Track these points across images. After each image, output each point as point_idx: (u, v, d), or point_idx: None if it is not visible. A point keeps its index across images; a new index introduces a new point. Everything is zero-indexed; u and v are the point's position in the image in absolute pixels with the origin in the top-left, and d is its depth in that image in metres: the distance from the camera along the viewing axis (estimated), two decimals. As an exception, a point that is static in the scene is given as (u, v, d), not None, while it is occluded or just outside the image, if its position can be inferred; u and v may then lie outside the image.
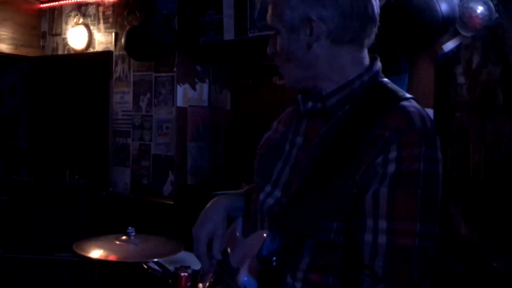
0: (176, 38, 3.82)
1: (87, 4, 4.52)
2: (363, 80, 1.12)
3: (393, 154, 0.96)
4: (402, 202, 0.95)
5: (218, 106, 4.43)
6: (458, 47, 1.46)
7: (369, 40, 1.17)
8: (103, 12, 4.43)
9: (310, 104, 1.14)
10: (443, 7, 2.54)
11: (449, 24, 2.61)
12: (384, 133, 0.98)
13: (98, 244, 2.72)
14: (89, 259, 2.62)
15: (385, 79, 1.14)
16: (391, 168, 0.96)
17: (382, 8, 2.79)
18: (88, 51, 4.50)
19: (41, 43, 4.86)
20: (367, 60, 1.15)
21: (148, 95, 4.17)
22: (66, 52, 4.67)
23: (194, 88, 4.18)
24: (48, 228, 3.71)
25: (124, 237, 2.77)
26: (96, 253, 2.60)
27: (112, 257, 2.60)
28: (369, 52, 1.18)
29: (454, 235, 1.44)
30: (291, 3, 1.11)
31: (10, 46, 4.65)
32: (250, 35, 3.60)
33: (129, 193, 4.27)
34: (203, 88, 4.28)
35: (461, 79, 1.40)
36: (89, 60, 4.47)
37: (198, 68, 4.23)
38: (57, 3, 4.69)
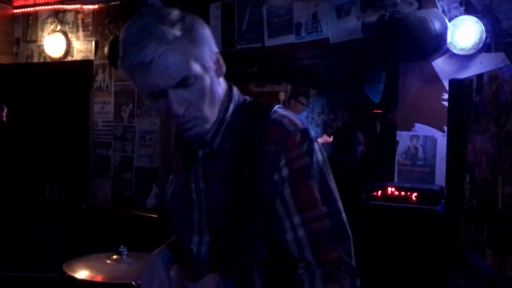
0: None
1: (65, 11, 4.39)
2: (231, 110, 1.18)
3: (283, 161, 1.10)
4: (304, 194, 1.09)
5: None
6: (478, 77, 1.49)
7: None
8: (82, 20, 4.31)
9: (200, 152, 1.20)
10: (437, 25, 2.60)
11: (442, 42, 2.67)
12: (271, 148, 1.10)
13: (88, 264, 2.62)
14: (80, 280, 2.52)
15: (246, 98, 1.22)
16: (285, 172, 1.10)
17: (375, 24, 2.85)
18: (66, 59, 4.37)
19: (15, 50, 4.69)
20: (224, 87, 1.20)
21: (131, 105, 4.08)
22: (42, 60, 4.52)
23: (178, 99, 4.11)
24: (29, 244, 3.57)
25: (115, 256, 2.69)
26: (86, 274, 2.51)
27: (104, 278, 2.52)
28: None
29: (476, 261, 1.47)
30: (194, 53, 1.09)
31: (-18, 53, 4.47)
32: (238, 47, 3.58)
33: (110, 206, 4.16)
34: (187, 98, 4.22)
35: (484, 108, 1.43)
36: (68, 69, 4.33)
37: (182, 78, 4.17)
38: (32, 9, 4.54)
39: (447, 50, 2.83)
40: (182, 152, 1.27)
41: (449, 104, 1.63)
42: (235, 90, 1.22)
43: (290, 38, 3.37)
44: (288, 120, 1.13)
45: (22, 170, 4.48)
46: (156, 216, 3.91)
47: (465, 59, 2.85)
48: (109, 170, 4.19)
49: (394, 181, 3.02)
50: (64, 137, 4.30)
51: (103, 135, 4.21)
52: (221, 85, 1.17)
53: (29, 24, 4.61)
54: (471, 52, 2.77)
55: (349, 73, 6.62)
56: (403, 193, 2.52)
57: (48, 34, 4.44)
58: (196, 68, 1.07)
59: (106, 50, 3.77)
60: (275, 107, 1.17)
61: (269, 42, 3.45)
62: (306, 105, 6.16)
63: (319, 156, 1.12)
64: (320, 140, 5.19)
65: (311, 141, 1.12)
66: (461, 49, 2.75)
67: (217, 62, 1.13)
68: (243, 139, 1.13)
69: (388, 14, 2.72)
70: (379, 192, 2.58)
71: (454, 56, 2.86)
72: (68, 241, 3.73)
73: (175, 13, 1.09)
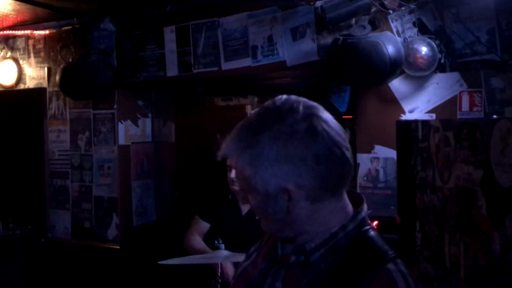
0: (115, 75, 3.64)
1: (15, 37, 4.22)
2: (347, 230, 1.04)
3: None
4: None
5: (162, 141, 4.27)
6: (424, 124, 1.44)
7: (348, 185, 1.10)
8: (34, 46, 4.15)
9: (293, 258, 1.07)
10: (390, 50, 2.56)
11: (396, 65, 2.64)
12: None
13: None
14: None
15: (371, 232, 1.07)
16: None
17: (329, 48, 2.80)
18: (19, 87, 4.20)
19: (-36, 78, 4.48)
20: (349, 206, 1.08)
21: (87, 133, 3.94)
22: (-7, 88, 4.33)
23: (136, 124, 4.00)
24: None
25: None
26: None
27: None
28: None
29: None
30: (264, 177, 1.01)
31: None
32: (194, 71, 3.49)
33: (71, 238, 4.01)
34: (146, 123, 4.11)
35: (429, 157, 1.38)
36: (20, 97, 4.17)
37: (140, 102, 4.06)
38: (-20, 35, 4.34)
39: (403, 71, 2.81)
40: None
41: (397, 146, 1.58)
42: (365, 208, 1.07)
43: (247, 62, 3.30)
44: (404, 279, 0.96)
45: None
46: (118, 247, 3.77)
47: (421, 79, 2.83)
48: (67, 201, 4.03)
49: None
50: (19, 169, 4.13)
51: (59, 165, 4.05)
52: (321, 209, 1.03)
53: (-21, 51, 4.41)
54: (426, 73, 2.75)
55: (314, 85, 6.59)
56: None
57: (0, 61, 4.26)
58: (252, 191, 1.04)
59: (57, 78, 3.63)
60: (397, 258, 1.00)
61: (225, 66, 3.37)
62: None
63: None
64: None
65: None
66: (416, 71, 2.73)
67: (283, 195, 1.01)
68: (342, 270, 0.98)
69: (341, 38, 2.68)
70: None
71: (410, 77, 2.84)
72: (26, 280, 3.57)
73: (289, 122, 1.00)
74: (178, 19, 3.51)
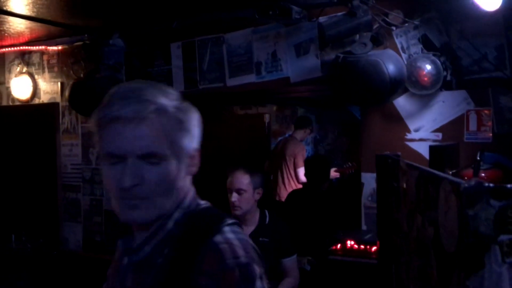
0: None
1: (30, 52, 4.31)
2: (176, 218, 1.02)
3: None
4: None
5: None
6: (394, 163, 1.38)
7: None
8: (48, 61, 4.23)
9: (125, 259, 1.05)
10: (390, 68, 2.48)
11: (398, 84, 2.56)
12: (202, 281, 0.94)
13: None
14: None
15: (200, 204, 1.07)
16: None
17: (330, 66, 2.73)
18: (34, 101, 4.29)
19: (-16, 92, 4.62)
20: (184, 190, 1.06)
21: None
22: (10, 102, 4.44)
23: (146, 139, 4.01)
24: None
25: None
26: None
27: None
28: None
29: None
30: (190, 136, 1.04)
31: (-50, 98, 4.40)
32: (200, 87, 3.48)
33: (82, 251, 4.06)
34: (156, 137, 4.12)
35: (399, 200, 1.32)
36: (35, 112, 4.25)
37: (150, 117, 4.07)
38: (-1, 50, 4.46)
39: (407, 89, 2.72)
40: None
41: (376, 182, 1.52)
42: (191, 194, 1.07)
43: (251, 78, 3.27)
44: (230, 248, 0.97)
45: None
46: (126, 261, 3.79)
47: (427, 97, 2.73)
48: (79, 214, 4.09)
49: (362, 227, 2.89)
50: (32, 182, 4.21)
51: (72, 178, 4.11)
52: (184, 185, 1.04)
53: (-3, 66, 4.53)
54: (431, 91, 2.65)
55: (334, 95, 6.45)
56: (362, 246, 2.40)
57: (15, 76, 4.37)
58: (168, 150, 0.97)
59: (67, 93, 3.69)
60: (224, 225, 1.01)
61: (230, 82, 3.35)
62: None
63: None
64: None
65: (252, 280, 0.95)
66: (420, 89, 2.64)
67: (193, 158, 1.03)
68: (179, 259, 0.97)
69: (341, 56, 2.61)
70: (339, 246, 2.46)
71: (416, 95, 2.75)
72: (36, 292, 3.63)
73: (175, 92, 1.03)
74: (184, 35, 3.51)
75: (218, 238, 0.98)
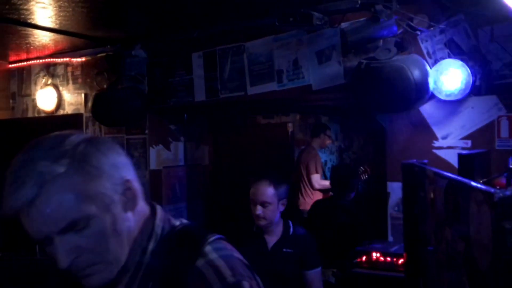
0: (144, 102, 3.67)
1: (55, 64, 4.37)
2: (151, 249, 0.95)
3: None
4: None
5: (195, 164, 4.26)
6: (421, 171, 1.31)
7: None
8: (72, 73, 4.28)
9: None
10: (416, 74, 2.40)
11: (423, 90, 2.47)
12: None
13: None
14: None
15: (175, 226, 0.99)
16: None
17: (353, 73, 2.67)
18: (58, 112, 4.33)
19: (11, 105, 4.70)
20: (144, 218, 0.98)
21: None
22: (36, 114, 4.50)
23: (168, 148, 4.01)
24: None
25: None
26: None
27: None
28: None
29: None
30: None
31: (-22, 110, 4.49)
32: (221, 96, 3.45)
33: (105, 261, 4.05)
34: (178, 147, 4.11)
35: (427, 211, 1.25)
36: (59, 123, 4.29)
37: (172, 127, 4.07)
38: (25, 63, 4.54)
39: (434, 95, 2.63)
40: None
41: (402, 191, 1.44)
42: (159, 217, 0.99)
43: (273, 86, 3.22)
44: (215, 270, 0.91)
45: (13, 230, 4.44)
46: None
47: (455, 103, 2.63)
48: (103, 224, 4.09)
49: (389, 239, 2.79)
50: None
51: (95, 189, 4.13)
52: (134, 219, 0.95)
53: (23, 79, 4.61)
54: (459, 97, 2.56)
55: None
56: (389, 259, 2.31)
57: (41, 88, 4.43)
58: (90, 208, 0.88)
59: (90, 104, 3.71)
60: (205, 246, 0.94)
61: (251, 91, 3.31)
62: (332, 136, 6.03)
63: None
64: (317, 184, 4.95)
65: None
66: (447, 95, 2.54)
67: (125, 192, 0.93)
68: None
69: (364, 62, 2.54)
70: (364, 258, 2.37)
71: (443, 101, 2.65)
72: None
73: (68, 142, 0.91)
74: (206, 45, 3.50)
75: (201, 262, 0.92)
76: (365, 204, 4.06)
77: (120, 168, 0.94)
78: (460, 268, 0.94)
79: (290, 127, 6.86)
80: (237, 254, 0.98)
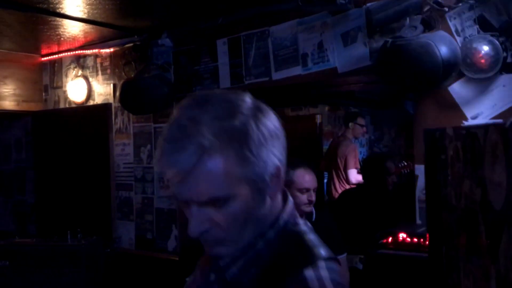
0: (171, 90, 3.70)
1: (85, 56, 4.46)
2: (268, 237, 0.94)
3: None
4: None
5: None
6: (441, 133, 1.27)
7: None
8: (101, 63, 4.36)
9: (212, 276, 0.99)
10: (443, 50, 2.33)
11: (451, 68, 2.40)
12: None
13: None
14: None
15: (297, 232, 0.96)
16: None
17: (379, 52, 2.62)
18: (88, 103, 4.43)
19: (44, 97, 4.83)
20: (276, 207, 0.96)
21: (149, 146, 4.05)
22: (67, 105, 4.61)
23: (195, 137, 4.02)
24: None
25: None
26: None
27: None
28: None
29: None
30: (261, 159, 0.90)
31: (13, 103, 4.63)
32: (246, 82, 3.45)
33: (134, 249, 4.12)
34: (205, 135, 4.13)
35: (447, 174, 1.21)
36: (89, 113, 4.39)
37: (198, 115, 4.09)
38: (57, 56, 4.65)
39: (463, 74, 2.55)
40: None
41: (425, 159, 1.40)
42: (287, 211, 0.97)
43: (297, 70, 3.19)
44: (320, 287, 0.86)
45: (51, 213, 4.57)
46: (177, 259, 3.81)
47: (485, 82, 2.54)
48: (132, 212, 4.16)
49: (416, 222, 2.73)
50: (88, 180, 4.34)
51: (124, 177, 4.20)
52: (269, 206, 0.94)
53: (55, 71, 4.73)
54: (489, 74, 2.46)
55: (389, 90, 6.28)
56: (415, 239, 2.25)
57: (71, 79, 4.53)
58: (233, 188, 0.87)
59: (118, 93, 3.77)
60: (320, 259, 0.90)
61: (276, 76, 3.29)
62: (365, 126, 5.92)
63: None
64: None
65: None
66: (477, 72, 2.46)
67: (273, 179, 0.91)
68: (264, 284, 0.90)
69: (390, 41, 2.49)
70: (390, 239, 2.32)
71: (472, 80, 2.56)
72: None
73: (237, 114, 0.88)
74: (230, 31, 3.50)
75: (310, 273, 0.88)
76: (395, 193, 3.98)
77: (275, 154, 0.91)
78: (477, 219, 0.90)
79: (318, 118, 6.80)
80: (342, 283, 0.94)
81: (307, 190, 2.72)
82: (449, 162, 1.16)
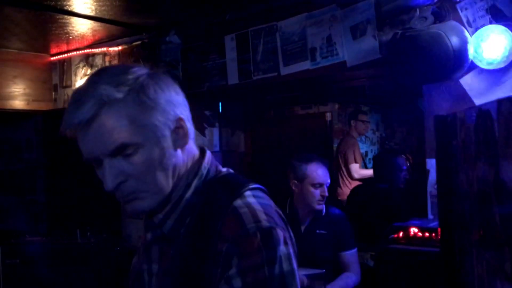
0: (180, 87, 3.67)
1: (94, 55, 4.47)
2: (194, 186, 1.00)
3: (235, 269, 0.88)
4: None
5: (230, 150, 4.24)
6: (453, 117, 1.23)
7: None
8: (110, 62, 4.36)
9: (149, 235, 1.04)
10: (454, 40, 2.29)
11: (463, 58, 2.35)
12: (222, 247, 0.90)
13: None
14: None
15: (221, 172, 1.04)
16: (237, 283, 0.88)
17: (389, 43, 2.57)
18: (97, 102, 4.43)
19: (53, 96, 4.84)
20: (193, 158, 1.03)
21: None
22: (77, 104, 4.62)
23: (203, 134, 4.01)
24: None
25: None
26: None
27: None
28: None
29: None
30: (161, 111, 0.97)
31: (23, 102, 4.65)
32: (254, 78, 3.42)
33: (144, 247, 4.11)
34: (213, 132, 4.12)
35: (460, 157, 1.16)
36: (98, 111, 4.39)
37: (207, 112, 4.08)
38: (66, 55, 4.67)
39: (475, 65, 2.49)
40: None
41: (436, 146, 1.35)
42: (207, 160, 1.03)
43: (306, 65, 3.16)
44: (251, 211, 0.92)
45: (62, 212, 4.58)
46: (186, 257, 3.79)
47: (497, 73, 2.49)
48: (141, 210, 4.14)
49: (429, 217, 2.68)
50: (97, 179, 4.33)
51: (133, 175, 4.19)
52: (182, 157, 0.99)
53: (64, 70, 4.74)
54: (502, 65, 2.41)
55: (400, 88, 6.21)
56: (427, 234, 2.21)
57: (80, 78, 4.54)
58: (139, 136, 0.93)
59: (126, 91, 3.76)
60: (245, 190, 0.97)
61: (284, 71, 3.26)
62: (369, 122, 5.88)
63: (284, 266, 0.89)
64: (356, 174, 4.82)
65: (274, 245, 0.89)
66: (489, 63, 2.40)
67: (177, 130, 0.97)
68: (199, 228, 0.95)
69: (400, 32, 2.45)
70: (401, 234, 2.28)
71: (485, 71, 2.51)
72: (100, 286, 3.71)
73: (131, 72, 0.96)
74: (238, 27, 3.48)
75: (238, 202, 0.94)
76: (406, 189, 3.93)
77: (175, 105, 0.98)
78: (491, 201, 0.86)
79: (328, 116, 6.75)
80: (275, 206, 1.00)
81: (320, 185, 2.71)
82: (460, 147, 1.12)
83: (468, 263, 1.07)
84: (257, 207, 0.94)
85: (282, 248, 0.89)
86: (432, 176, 2.70)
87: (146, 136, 0.93)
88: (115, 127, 0.92)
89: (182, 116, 0.98)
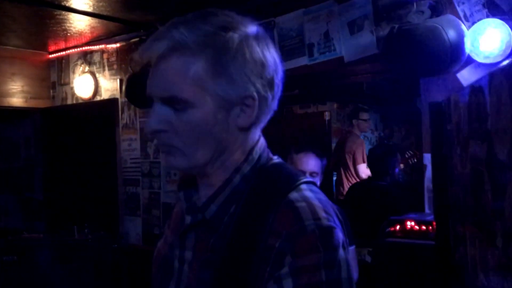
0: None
1: (92, 52, 4.47)
2: (244, 172, 0.91)
3: (287, 269, 0.79)
4: None
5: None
6: (447, 101, 1.23)
7: None
8: (108, 59, 4.36)
9: (188, 218, 0.93)
10: (451, 34, 2.29)
11: (459, 52, 2.35)
12: (274, 243, 0.81)
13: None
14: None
15: (272, 164, 0.94)
16: (288, 285, 0.78)
17: (386, 38, 2.57)
18: (95, 99, 4.43)
19: (51, 94, 4.84)
20: (249, 143, 0.94)
21: (155, 140, 4.03)
22: (74, 101, 4.62)
23: (201, 131, 4.01)
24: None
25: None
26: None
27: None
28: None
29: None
30: (231, 78, 0.87)
31: (21, 100, 4.64)
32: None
33: (142, 244, 4.10)
34: (211, 130, 4.11)
35: (453, 141, 1.16)
36: (96, 109, 4.39)
37: (205, 109, 4.07)
38: (64, 52, 4.67)
39: (472, 60, 2.49)
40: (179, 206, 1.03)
41: (431, 133, 1.35)
42: (260, 145, 0.94)
43: (303, 60, 3.16)
44: (309, 207, 0.83)
45: (60, 210, 4.57)
46: (183, 253, 3.78)
47: (494, 67, 2.48)
48: (139, 207, 4.14)
49: (426, 211, 2.68)
50: (95, 176, 4.33)
51: (131, 172, 4.19)
52: (239, 136, 0.90)
53: (62, 68, 4.74)
54: (498, 59, 2.41)
55: (399, 86, 6.21)
56: (424, 227, 2.20)
57: (78, 75, 4.54)
58: (196, 97, 0.85)
59: (124, 87, 3.76)
60: (301, 183, 0.87)
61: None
62: (369, 120, 5.86)
63: (342, 273, 0.79)
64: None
65: (334, 247, 0.80)
66: (486, 57, 2.40)
67: (244, 108, 0.88)
68: (247, 219, 0.86)
69: (397, 26, 2.44)
70: (398, 227, 2.27)
71: (481, 65, 2.51)
72: (98, 283, 3.70)
73: (222, 26, 0.88)
74: (236, 23, 3.47)
75: (294, 195, 0.85)
76: (404, 185, 3.92)
77: (252, 82, 0.87)
78: (483, 179, 0.86)
79: (326, 115, 6.74)
80: (333, 205, 0.91)
81: (303, 173, 2.68)
82: (454, 130, 1.12)
83: (463, 247, 1.07)
84: (316, 202, 0.85)
85: (341, 252, 0.80)
86: (429, 171, 2.70)
87: (203, 100, 0.86)
88: (176, 77, 0.85)
89: (255, 93, 0.87)
